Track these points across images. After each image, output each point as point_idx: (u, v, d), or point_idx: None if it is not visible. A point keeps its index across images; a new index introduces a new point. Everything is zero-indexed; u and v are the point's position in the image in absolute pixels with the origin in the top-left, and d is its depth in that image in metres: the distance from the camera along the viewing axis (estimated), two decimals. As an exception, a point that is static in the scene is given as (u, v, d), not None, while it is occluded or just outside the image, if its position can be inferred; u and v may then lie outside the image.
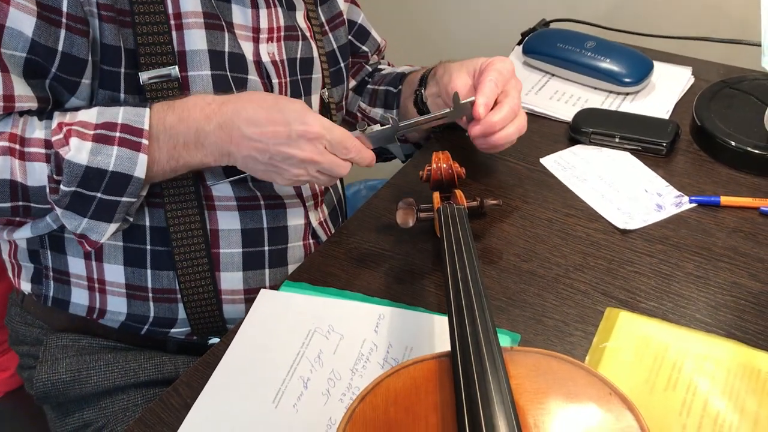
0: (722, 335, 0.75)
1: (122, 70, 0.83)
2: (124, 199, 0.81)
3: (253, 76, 0.92)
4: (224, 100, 0.82)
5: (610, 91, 1.15)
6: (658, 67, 1.17)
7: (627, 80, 1.13)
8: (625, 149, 1.02)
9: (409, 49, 1.65)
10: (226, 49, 0.88)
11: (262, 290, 0.86)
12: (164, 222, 0.89)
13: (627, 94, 1.14)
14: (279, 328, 0.81)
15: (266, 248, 0.95)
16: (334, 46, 1.09)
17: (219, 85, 0.88)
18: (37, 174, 0.79)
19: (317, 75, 1.03)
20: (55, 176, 0.79)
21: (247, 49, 0.91)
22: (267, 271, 0.94)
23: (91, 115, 0.80)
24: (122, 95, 0.84)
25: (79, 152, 0.78)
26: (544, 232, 0.90)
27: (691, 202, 0.93)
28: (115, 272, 0.93)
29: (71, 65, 0.81)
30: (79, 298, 0.96)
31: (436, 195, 0.87)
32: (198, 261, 0.91)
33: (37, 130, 0.80)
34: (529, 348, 0.65)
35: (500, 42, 1.39)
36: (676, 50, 1.24)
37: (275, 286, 0.88)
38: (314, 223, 1.01)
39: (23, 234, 0.92)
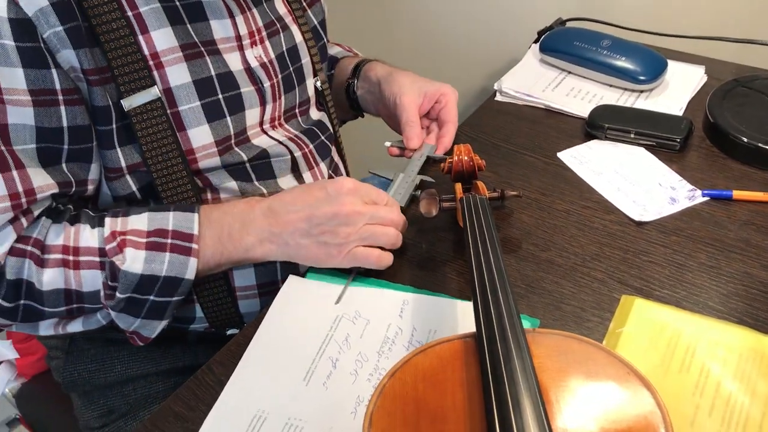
0: (734, 322, 0.79)
1: (114, 126, 0.84)
2: (174, 299, 0.84)
3: (246, 88, 0.92)
4: (272, 195, 0.86)
5: (625, 89, 1.18)
6: (672, 65, 1.20)
7: (642, 78, 1.16)
8: (639, 144, 1.05)
9: (425, 46, 1.69)
10: (213, 73, 0.88)
11: (290, 276, 0.90)
12: None
13: (641, 91, 1.17)
14: (306, 313, 0.84)
15: None
16: (315, 21, 1.10)
17: (212, 112, 0.89)
18: (91, 280, 0.83)
19: (306, 59, 1.04)
20: (110, 282, 0.82)
21: (235, 60, 0.91)
22: (279, 264, 0.96)
23: (142, 222, 0.83)
24: (118, 148, 0.85)
25: (134, 262, 0.81)
26: (562, 223, 0.93)
27: (704, 195, 0.96)
28: None
29: (80, 135, 0.82)
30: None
31: (458, 186, 0.90)
32: None
33: (90, 239, 0.82)
34: (550, 330, 0.68)
35: (517, 40, 1.43)
36: (689, 49, 1.27)
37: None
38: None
39: (75, 328, 0.93)
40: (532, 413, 0.58)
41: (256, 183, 0.95)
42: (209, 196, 0.92)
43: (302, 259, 0.85)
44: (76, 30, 0.78)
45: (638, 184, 0.98)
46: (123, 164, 0.86)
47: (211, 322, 0.97)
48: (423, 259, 0.91)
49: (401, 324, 0.82)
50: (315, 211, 0.81)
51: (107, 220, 0.83)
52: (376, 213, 0.83)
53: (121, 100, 0.83)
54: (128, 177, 0.88)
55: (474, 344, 0.67)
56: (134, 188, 0.89)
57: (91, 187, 0.87)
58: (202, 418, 0.73)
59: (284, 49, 0.99)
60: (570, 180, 1.01)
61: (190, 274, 0.83)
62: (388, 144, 1.08)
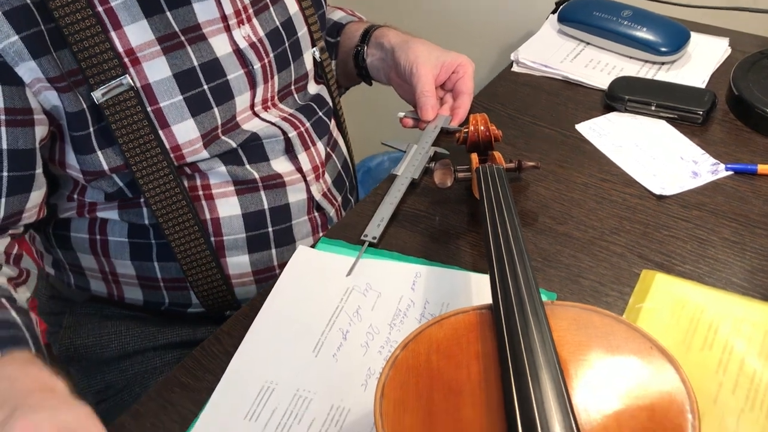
0: (759, 299, 0.76)
1: (91, 129, 0.81)
2: None
3: (234, 73, 0.88)
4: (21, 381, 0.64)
5: (646, 61, 1.14)
6: (695, 37, 1.16)
7: (663, 49, 1.12)
8: (660, 117, 1.02)
9: (439, 16, 1.65)
10: (195, 64, 0.84)
11: (300, 246, 0.88)
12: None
13: (663, 63, 1.14)
14: (316, 284, 0.82)
15: (270, 229, 0.94)
16: None
17: (197, 106, 0.84)
18: None
19: (303, 30, 0.99)
20: None
21: (222, 43, 0.87)
22: (274, 251, 0.95)
23: None
24: (99, 152, 0.82)
25: None
26: (580, 196, 0.91)
27: (727, 169, 0.93)
28: (124, 266, 0.94)
29: (21, 160, 0.78)
30: (98, 286, 0.98)
31: (474, 156, 0.88)
32: (198, 250, 0.90)
33: None
34: (569, 302, 0.66)
35: (534, 11, 1.39)
36: (713, 22, 1.23)
37: (283, 264, 0.85)
38: (317, 196, 0.98)
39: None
40: (551, 386, 0.56)
41: (247, 167, 0.91)
42: (198, 182, 0.89)
43: None
44: (36, 36, 0.75)
45: (659, 158, 0.95)
46: (105, 167, 0.83)
47: (207, 307, 0.95)
48: (436, 232, 0.88)
49: (413, 297, 0.80)
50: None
51: None
52: None
53: (91, 93, 0.78)
54: (113, 177, 0.85)
55: (490, 316, 0.65)
56: (121, 184, 0.87)
57: (26, 215, 0.82)
58: (208, 388, 0.72)
59: (278, 23, 0.95)
60: (588, 152, 0.98)
61: None
62: (401, 115, 1.06)
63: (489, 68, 1.53)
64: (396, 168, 0.96)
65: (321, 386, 0.71)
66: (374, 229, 0.88)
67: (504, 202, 0.75)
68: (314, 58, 1.03)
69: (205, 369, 0.74)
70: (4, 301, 0.76)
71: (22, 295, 0.83)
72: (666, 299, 0.76)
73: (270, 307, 0.80)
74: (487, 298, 0.65)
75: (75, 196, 0.91)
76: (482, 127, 0.90)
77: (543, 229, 0.86)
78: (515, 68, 1.17)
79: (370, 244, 0.86)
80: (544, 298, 0.78)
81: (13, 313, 0.75)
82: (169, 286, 0.96)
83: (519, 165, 0.87)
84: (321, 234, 0.96)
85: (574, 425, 0.53)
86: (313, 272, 0.84)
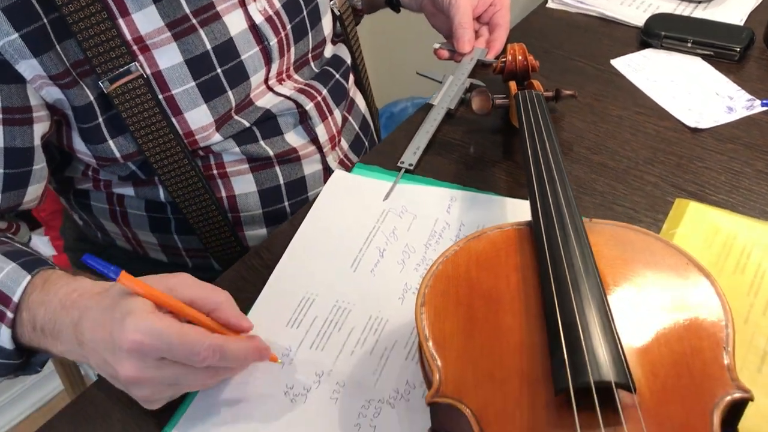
0: (791, 227, 0.77)
1: (100, 120, 0.80)
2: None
3: (249, 52, 0.85)
4: (91, 292, 0.64)
5: (683, -1, 1.14)
6: (733, -24, 1.15)
7: (701, -12, 1.11)
8: (696, 54, 1.02)
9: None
10: (209, 47, 0.82)
11: (336, 171, 0.89)
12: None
13: (699, 1, 1.13)
14: (353, 206, 0.84)
15: (286, 203, 0.95)
16: None
17: (210, 91, 0.83)
18: None
19: None
20: None
21: (237, 20, 0.84)
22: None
23: None
24: (110, 141, 0.81)
25: None
26: (615, 128, 0.91)
27: (762, 105, 0.93)
28: (146, 235, 0.96)
29: (17, 158, 0.77)
30: (123, 244, 1.00)
31: (512, 84, 0.88)
32: (216, 225, 0.91)
33: None
34: (607, 220, 0.67)
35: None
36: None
37: None
38: (333, 165, 0.97)
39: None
40: (590, 294, 0.57)
41: (261, 143, 0.90)
42: (212, 162, 0.89)
43: None
44: (37, 32, 0.73)
45: (694, 93, 0.96)
46: (117, 155, 0.83)
47: (213, 254, 0.95)
48: (470, 160, 0.89)
49: (448, 219, 0.81)
50: (104, 357, 0.59)
51: None
52: (181, 378, 0.60)
53: (99, 82, 0.77)
54: (127, 163, 0.85)
55: (528, 232, 0.66)
56: (133, 168, 0.86)
57: (24, 206, 0.82)
58: (249, 299, 0.74)
59: None
60: (623, 87, 0.98)
61: (3, 342, 0.67)
62: (436, 46, 1.06)
63: (523, 4, 1.52)
64: (432, 98, 0.96)
65: (359, 298, 0.73)
66: (410, 156, 0.89)
67: (543, 124, 0.76)
68: (333, 13, 1.00)
69: (246, 281, 0.77)
70: (4, 239, 0.77)
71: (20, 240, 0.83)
72: (699, 226, 0.77)
73: (308, 226, 0.82)
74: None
75: (90, 174, 0.91)
76: (520, 57, 0.90)
77: (578, 158, 0.87)
78: (550, 4, 1.17)
79: (406, 171, 0.87)
80: (578, 221, 0.79)
81: (19, 245, 0.75)
82: (191, 255, 0.97)
83: (557, 93, 0.88)
84: None
85: (613, 329, 0.55)
86: (350, 195, 0.85)
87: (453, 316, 0.60)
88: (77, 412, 0.67)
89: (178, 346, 0.57)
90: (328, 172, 0.97)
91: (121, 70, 0.77)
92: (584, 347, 0.53)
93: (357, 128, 1.04)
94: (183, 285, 0.61)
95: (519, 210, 0.80)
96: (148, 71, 0.79)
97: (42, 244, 1.28)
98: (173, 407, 0.64)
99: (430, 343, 0.58)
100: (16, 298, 0.66)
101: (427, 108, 0.96)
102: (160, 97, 0.81)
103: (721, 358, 0.55)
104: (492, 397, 0.54)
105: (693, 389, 0.54)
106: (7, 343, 0.67)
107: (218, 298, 0.62)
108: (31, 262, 0.69)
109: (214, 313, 0.62)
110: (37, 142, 0.79)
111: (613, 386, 0.51)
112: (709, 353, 0.56)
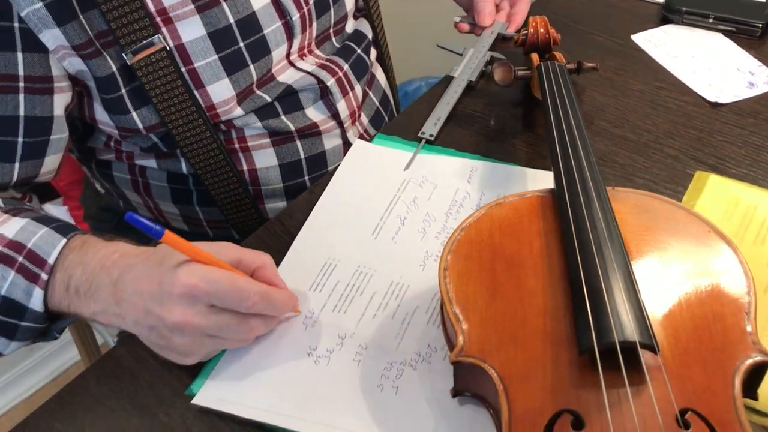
0: (812, 201, 0.77)
1: (123, 91, 0.80)
2: (24, 324, 0.69)
3: (271, 26, 0.85)
4: (133, 253, 0.66)
5: (704, -24, 1.13)
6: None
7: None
8: (718, 30, 1.02)
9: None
10: (231, 21, 0.81)
11: (357, 140, 0.90)
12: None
13: (721, -22, 1.12)
14: (374, 175, 0.84)
15: (306, 177, 0.95)
16: None
17: (233, 64, 0.83)
18: None
19: None
20: None
21: None
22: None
23: (11, 228, 0.70)
24: (133, 112, 0.82)
25: None
26: (635, 102, 0.91)
27: (784, 81, 0.93)
28: (167, 206, 0.96)
29: (37, 127, 0.77)
30: (145, 214, 1.01)
31: (534, 55, 0.88)
32: (238, 198, 0.91)
33: None
34: (630, 189, 0.67)
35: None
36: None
37: None
38: (353, 139, 0.97)
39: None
40: (614, 258, 0.58)
41: (283, 117, 0.91)
42: (234, 136, 0.89)
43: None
44: (61, 2, 0.72)
45: (715, 69, 0.96)
46: (140, 126, 0.83)
47: (234, 225, 0.96)
48: (491, 132, 0.90)
49: (469, 189, 0.82)
50: (149, 307, 0.60)
51: None
52: (224, 329, 0.62)
53: (123, 54, 0.77)
54: (149, 135, 0.86)
55: (551, 199, 0.67)
56: (155, 140, 0.87)
57: (41, 178, 0.81)
58: (272, 264, 0.74)
59: None
60: (644, 61, 0.98)
61: (34, 305, 0.68)
62: (456, 19, 1.06)
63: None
64: (452, 70, 0.97)
65: (381, 264, 0.74)
66: (431, 127, 0.89)
67: (567, 94, 0.76)
68: None
69: (269, 246, 0.77)
70: (26, 206, 0.78)
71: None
72: (719, 198, 0.77)
73: (329, 194, 0.82)
74: (547, 189, 0.67)
75: (112, 145, 0.92)
76: (542, 29, 0.90)
77: (599, 131, 0.87)
78: (571, -21, 1.16)
79: (427, 141, 0.88)
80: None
81: (44, 213, 0.76)
82: (212, 226, 0.98)
83: (579, 66, 0.88)
84: None
85: (637, 292, 0.55)
86: (371, 164, 0.86)
87: (476, 279, 0.61)
88: (103, 372, 0.68)
89: (229, 291, 0.59)
90: (348, 146, 0.96)
91: (145, 42, 0.77)
92: (609, 308, 0.53)
93: (377, 103, 1.04)
94: (227, 248, 0.64)
95: (540, 181, 0.81)
96: (171, 44, 0.79)
97: (60, 214, 1.29)
98: (199, 368, 0.65)
99: (454, 305, 0.59)
100: (51, 260, 0.67)
101: (447, 80, 0.96)
102: (183, 69, 0.81)
103: (743, 324, 0.56)
104: (515, 357, 0.55)
105: (715, 353, 0.54)
106: (39, 306, 0.68)
107: (262, 258, 0.65)
108: (64, 227, 0.70)
109: (257, 272, 0.64)
110: (58, 112, 0.79)
111: (638, 346, 0.51)
112: (731, 319, 0.56)
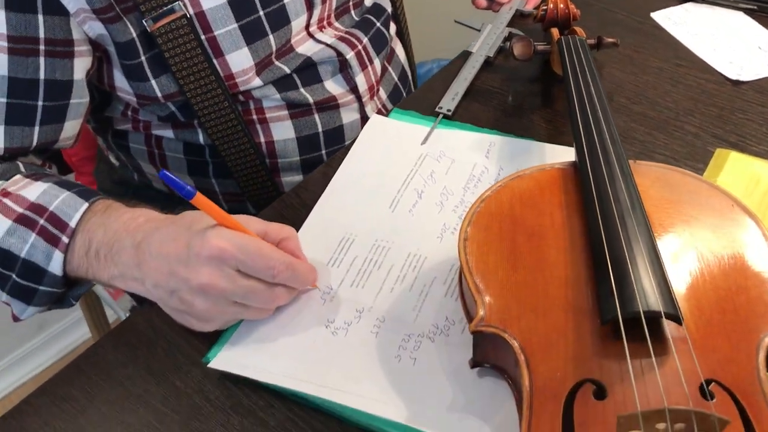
0: (834, 179, 0.76)
1: (142, 58, 0.80)
2: (43, 288, 0.70)
3: None
4: (157, 219, 0.67)
5: (725, -46, 1.12)
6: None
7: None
8: (739, 8, 1.01)
9: None
10: None
11: (374, 115, 0.89)
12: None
13: (742, -43, 1.11)
14: (391, 149, 0.84)
15: (323, 151, 0.95)
16: None
17: (252, 33, 0.82)
18: None
19: None
20: None
21: None
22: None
23: (33, 192, 0.70)
24: (153, 80, 0.81)
25: None
26: (655, 79, 0.91)
27: (806, 60, 0.92)
28: (183, 178, 0.94)
29: (56, 91, 0.76)
30: (160, 187, 1.00)
31: (555, 30, 0.88)
32: (255, 170, 0.91)
33: None
34: (653, 162, 0.67)
35: None
36: None
37: None
38: (371, 114, 0.94)
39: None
40: (638, 229, 0.57)
41: (301, 90, 0.90)
42: (252, 107, 0.89)
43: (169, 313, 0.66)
44: None
45: (736, 47, 0.95)
46: (159, 94, 0.83)
47: (249, 198, 0.95)
48: (509, 107, 0.89)
49: (487, 164, 0.81)
50: (174, 268, 0.60)
51: (16, 177, 0.73)
52: (249, 295, 0.62)
53: (143, 20, 0.76)
54: (167, 103, 0.85)
55: (572, 171, 0.66)
56: (173, 109, 0.86)
57: (60, 144, 0.81)
58: (288, 236, 0.74)
59: None
60: (664, 39, 0.97)
61: (54, 269, 0.68)
62: None
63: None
64: (470, 46, 0.96)
65: (398, 237, 0.73)
66: (448, 102, 0.88)
67: (588, 67, 0.75)
68: None
69: (285, 218, 0.77)
70: (47, 172, 0.78)
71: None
72: (740, 175, 0.77)
73: (346, 167, 0.82)
74: (565, 166, 0.67)
75: (129, 114, 0.91)
76: (561, 5, 0.89)
77: (618, 107, 0.87)
78: (589, -43, 1.15)
79: (444, 116, 0.87)
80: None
81: (65, 178, 0.76)
82: (228, 199, 0.97)
83: (599, 41, 0.87)
84: None
85: (661, 262, 0.55)
86: (388, 138, 0.85)
87: (496, 250, 0.60)
88: (119, 340, 0.68)
89: (257, 258, 0.60)
90: (366, 121, 0.95)
91: (165, 8, 0.77)
92: (632, 278, 0.53)
93: (396, 79, 1.04)
94: (252, 220, 0.64)
95: (559, 156, 0.80)
96: (191, 11, 0.79)
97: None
98: (216, 336, 0.65)
99: (474, 276, 0.58)
100: (73, 224, 0.67)
101: (464, 56, 0.95)
102: (203, 37, 0.80)
103: (766, 297, 0.55)
104: (536, 327, 0.55)
105: (738, 325, 0.54)
106: (58, 270, 0.68)
107: (287, 231, 0.65)
108: (86, 191, 0.70)
109: (281, 243, 0.64)
110: (78, 76, 0.79)
111: (663, 316, 0.51)
112: (755, 291, 0.56)
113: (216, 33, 0.81)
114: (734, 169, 0.77)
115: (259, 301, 0.62)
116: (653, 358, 0.50)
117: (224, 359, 0.64)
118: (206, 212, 0.61)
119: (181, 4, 0.77)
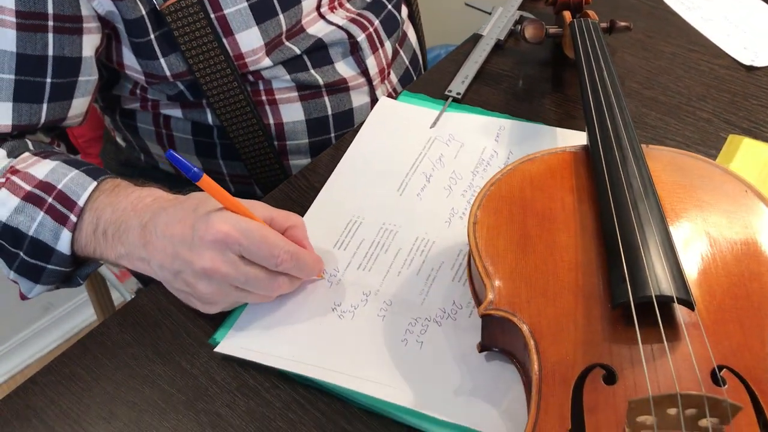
0: None
1: (152, 36, 0.79)
2: (51, 267, 0.70)
3: None
4: (167, 197, 0.67)
5: (740, -61, 1.10)
6: None
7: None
8: (753, -7, 0.99)
9: None
10: None
11: (382, 98, 0.88)
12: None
13: (757, -58, 1.09)
14: (399, 133, 0.83)
15: (332, 135, 0.94)
16: None
17: (262, 13, 0.81)
18: None
19: None
20: None
21: None
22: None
23: (41, 170, 0.70)
24: (162, 59, 0.80)
25: (2, 206, 0.68)
26: (667, 64, 0.89)
27: (821, 46, 0.90)
28: (191, 159, 0.95)
29: (65, 67, 0.75)
30: (167, 168, 1.00)
31: (567, 13, 0.86)
32: (263, 152, 0.90)
33: None
34: (665, 147, 0.66)
35: None
36: None
37: None
38: (382, 97, 0.93)
39: None
40: (650, 213, 0.56)
41: (312, 71, 0.89)
42: (261, 88, 0.88)
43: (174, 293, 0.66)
44: None
45: (750, 32, 0.93)
46: (168, 73, 0.82)
47: (257, 181, 0.95)
48: (519, 91, 0.88)
49: (497, 148, 0.80)
50: (178, 251, 0.60)
51: (24, 155, 0.72)
52: (251, 282, 0.61)
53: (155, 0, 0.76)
54: (176, 82, 0.84)
55: (584, 155, 0.66)
56: (182, 88, 0.85)
57: (68, 122, 0.80)
58: (296, 217, 0.73)
59: None
60: (677, 24, 0.96)
61: (62, 247, 0.68)
62: None
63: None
64: (481, 29, 0.95)
65: (406, 221, 0.72)
66: (458, 85, 0.88)
67: (600, 50, 0.74)
68: None
69: (293, 200, 0.77)
70: (56, 150, 0.77)
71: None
72: (753, 162, 0.76)
73: (354, 150, 0.81)
74: (578, 146, 0.66)
75: (138, 92, 0.90)
76: (574, -13, 0.88)
77: (629, 92, 0.86)
78: (602, -59, 1.14)
79: (454, 99, 0.86)
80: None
81: (73, 156, 0.75)
82: (235, 181, 0.97)
83: (611, 24, 0.86)
84: None
85: (673, 247, 0.54)
86: (396, 121, 0.85)
87: (506, 233, 0.60)
88: (125, 320, 0.67)
89: (261, 245, 0.59)
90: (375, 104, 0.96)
91: None
92: (645, 263, 0.52)
93: (407, 62, 1.03)
94: (260, 206, 0.63)
95: (570, 140, 0.79)
96: None
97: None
98: (222, 319, 0.65)
99: (484, 259, 0.58)
100: (81, 202, 0.67)
101: (475, 39, 0.94)
102: (212, 16, 0.80)
103: (780, 283, 0.55)
104: (546, 311, 0.54)
105: (751, 311, 0.53)
106: (66, 248, 0.68)
107: (293, 219, 0.64)
108: (95, 170, 0.70)
109: (288, 231, 0.63)
110: (87, 53, 0.78)
111: (675, 301, 0.50)
112: (768, 278, 0.55)
113: (226, 12, 0.80)
114: (747, 155, 0.77)
115: (261, 289, 0.62)
116: (665, 343, 0.49)
117: (230, 344, 0.63)
118: (212, 195, 0.60)
119: None
